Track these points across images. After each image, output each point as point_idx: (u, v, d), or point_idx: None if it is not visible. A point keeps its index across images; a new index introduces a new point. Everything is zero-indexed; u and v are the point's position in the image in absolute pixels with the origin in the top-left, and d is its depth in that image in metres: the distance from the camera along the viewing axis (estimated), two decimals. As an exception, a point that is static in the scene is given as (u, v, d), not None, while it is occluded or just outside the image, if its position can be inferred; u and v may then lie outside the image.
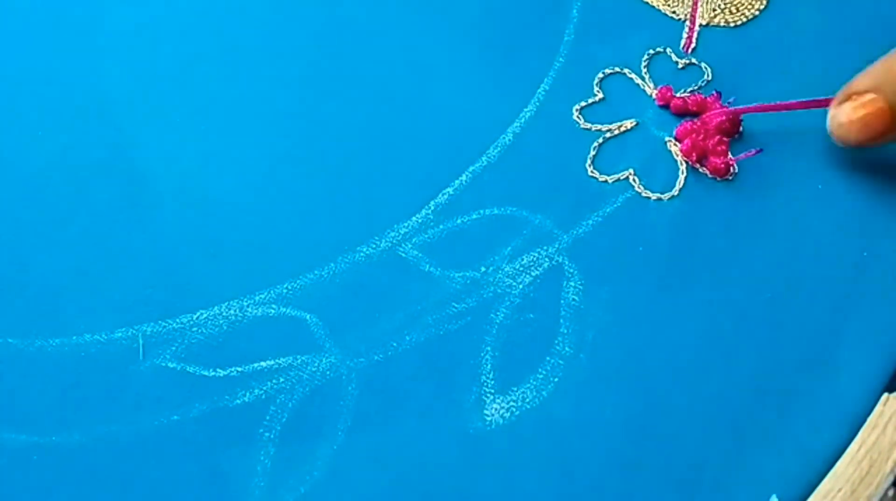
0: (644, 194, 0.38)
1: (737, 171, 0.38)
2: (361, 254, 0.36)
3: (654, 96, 0.40)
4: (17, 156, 0.39)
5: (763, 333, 0.35)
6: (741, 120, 0.39)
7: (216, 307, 0.35)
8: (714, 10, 0.42)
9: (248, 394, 0.33)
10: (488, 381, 0.34)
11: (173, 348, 0.34)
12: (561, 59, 0.41)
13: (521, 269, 0.36)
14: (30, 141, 0.39)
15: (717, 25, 0.42)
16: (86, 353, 0.34)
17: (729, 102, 0.39)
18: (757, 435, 0.33)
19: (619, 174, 0.38)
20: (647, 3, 0.42)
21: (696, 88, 0.40)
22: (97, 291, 0.35)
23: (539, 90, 0.40)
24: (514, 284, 0.36)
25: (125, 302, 0.35)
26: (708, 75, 0.41)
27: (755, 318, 0.35)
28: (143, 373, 0.34)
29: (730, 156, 0.38)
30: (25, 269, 0.36)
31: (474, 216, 0.37)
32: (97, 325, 0.35)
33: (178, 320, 0.35)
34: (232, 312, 0.35)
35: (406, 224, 0.37)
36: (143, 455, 0.32)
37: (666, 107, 0.40)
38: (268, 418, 0.33)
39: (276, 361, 0.34)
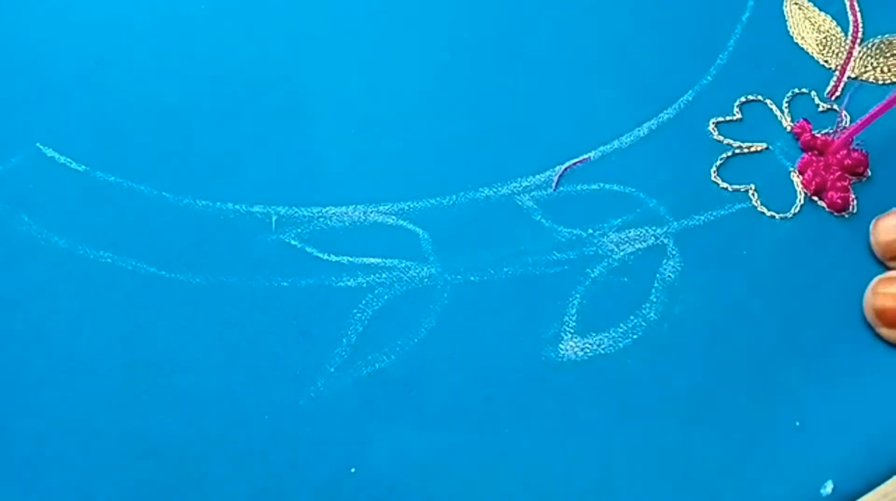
0: (759, 209, 0.39)
1: (855, 210, 0.39)
2: (482, 194, 0.39)
3: (789, 128, 0.42)
4: (213, 61, 0.44)
5: (844, 341, 0.35)
6: (867, 163, 0.40)
7: (344, 207, 0.39)
8: (866, 66, 0.44)
9: (352, 280, 0.37)
10: (570, 321, 0.36)
11: (299, 230, 0.38)
12: (709, 77, 0.43)
13: (627, 239, 0.38)
14: (225, 54, 0.45)
15: (866, 80, 0.44)
16: (225, 217, 0.39)
17: (858, 144, 0.40)
18: (823, 424, 0.33)
19: (740, 186, 0.40)
20: (803, 49, 0.45)
21: (830, 131, 0.42)
22: (248, 172, 0.40)
23: (681, 99, 0.43)
24: (617, 250, 0.38)
25: (269, 185, 0.39)
26: (846, 122, 0.42)
27: (839, 330, 0.36)
28: (268, 243, 0.38)
29: (851, 194, 0.39)
30: (193, 142, 0.41)
31: (594, 187, 0.40)
32: (241, 197, 0.39)
33: (309, 209, 0.39)
34: (357, 213, 0.39)
35: (529, 179, 0.40)
36: (248, 307, 0.36)
37: (797, 139, 0.41)
38: (363, 302, 0.36)
39: (384, 260, 0.37)
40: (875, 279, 0.36)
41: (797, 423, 0.33)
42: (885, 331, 0.35)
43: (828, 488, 0.31)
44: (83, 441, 0.33)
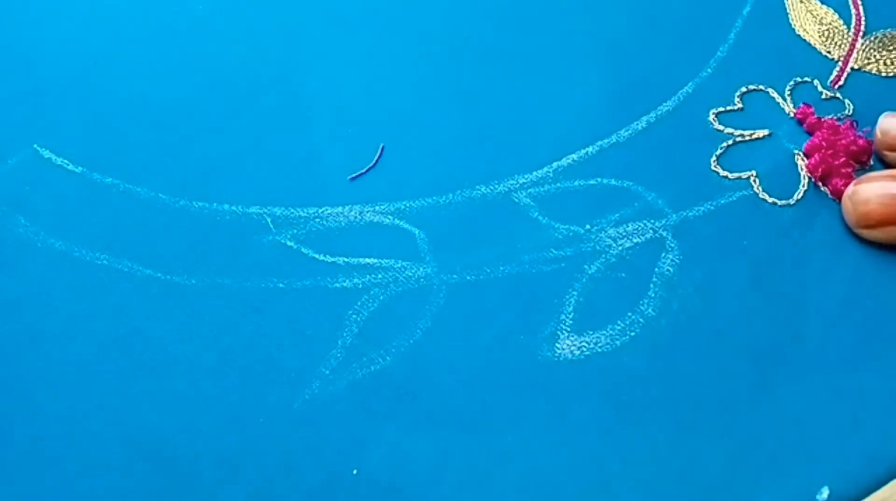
0: (761, 196, 0.39)
1: (858, 197, 0.39)
2: (478, 192, 0.39)
3: (791, 114, 0.41)
4: (210, 62, 0.44)
5: (842, 344, 0.35)
6: (872, 150, 0.39)
7: (340, 207, 0.39)
8: (869, 58, 0.43)
9: (347, 281, 0.36)
10: (567, 319, 0.35)
11: (294, 231, 0.38)
12: (709, 69, 0.43)
13: (624, 234, 0.38)
14: (221, 55, 0.45)
15: (869, 72, 0.43)
16: (221, 219, 0.38)
17: (865, 131, 0.40)
18: (819, 428, 0.32)
19: (742, 173, 0.39)
20: (805, 40, 0.44)
21: (835, 117, 0.41)
22: (244, 173, 0.40)
23: (681, 91, 0.42)
24: (614, 245, 0.37)
25: (265, 186, 0.39)
26: (849, 110, 0.41)
27: (838, 332, 0.35)
28: (263, 244, 0.38)
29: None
30: (189, 143, 0.41)
31: (591, 182, 0.39)
32: (236, 199, 0.39)
33: (305, 209, 0.39)
34: (353, 214, 0.38)
35: (526, 176, 0.39)
36: (244, 308, 0.36)
37: (801, 124, 0.41)
38: (359, 303, 0.36)
39: (379, 260, 0.37)
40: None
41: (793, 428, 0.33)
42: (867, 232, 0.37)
43: (824, 494, 0.31)
44: (78, 442, 0.33)
